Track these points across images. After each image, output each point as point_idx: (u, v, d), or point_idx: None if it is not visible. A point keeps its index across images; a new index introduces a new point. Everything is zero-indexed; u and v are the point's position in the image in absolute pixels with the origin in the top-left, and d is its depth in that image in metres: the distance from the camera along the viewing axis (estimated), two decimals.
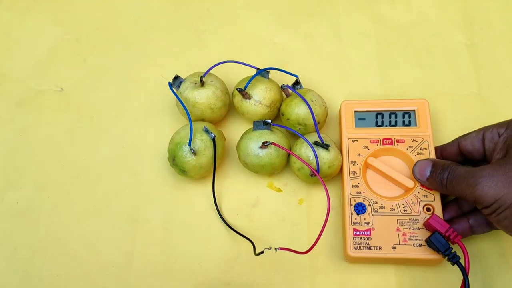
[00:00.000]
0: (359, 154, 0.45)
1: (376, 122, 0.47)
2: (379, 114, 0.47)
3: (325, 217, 0.40)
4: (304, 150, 0.44)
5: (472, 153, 0.41)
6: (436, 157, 0.44)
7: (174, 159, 0.45)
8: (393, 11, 0.59)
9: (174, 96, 0.47)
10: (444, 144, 0.44)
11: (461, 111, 0.52)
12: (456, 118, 0.52)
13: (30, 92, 0.54)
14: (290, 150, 0.46)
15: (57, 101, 0.54)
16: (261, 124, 0.45)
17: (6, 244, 0.46)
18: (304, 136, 0.46)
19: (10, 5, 0.61)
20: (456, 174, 0.37)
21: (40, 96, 0.54)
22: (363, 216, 0.43)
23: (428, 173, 0.41)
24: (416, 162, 0.42)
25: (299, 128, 0.47)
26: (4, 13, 0.60)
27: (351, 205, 0.43)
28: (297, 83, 0.48)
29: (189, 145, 0.44)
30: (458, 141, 0.42)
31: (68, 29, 0.59)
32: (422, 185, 0.44)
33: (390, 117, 0.47)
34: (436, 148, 0.45)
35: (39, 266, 0.46)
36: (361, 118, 0.47)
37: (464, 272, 0.37)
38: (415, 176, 0.42)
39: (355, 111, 0.48)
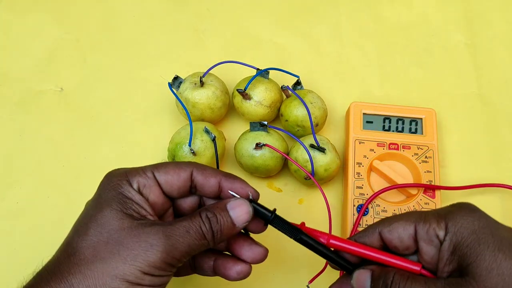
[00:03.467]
0: (365, 156, 0.45)
1: (384, 126, 0.47)
2: (387, 118, 0.48)
3: (327, 219, 0.40)
4: (301, 153, 0.44)
5: (399, 249, 0.31)
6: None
7: (174, 159, 0.45)
8: (393, 11, 0.59)
9: (174, 96, 0.47)
10: (361, 232, 0.33)
11: (461, 111, 0.52)
12: (456, 118, 0.52)
13: (30, 92, 0.54)
14: (287, 152, 0.46)
15: (57, 101, 0.54)
16: (257, 125, 0.45)
17: (6, 244, 0.46)
18: (303, 137, 0.46)
19: (10, 5, 0.61)
20: None
21: (40, 96, 0.54)
22: (365, 218, 0.43)
23: (368, 285, 0.30)
24: (353, 273, 0.32)
25: (298, 130, 0.47)
26: (4, 13, 0.60)
27: (354, 206, 0.43)
28: (298, 83, 0.48)
29: (189, 145, 0.44)
30: (379, 230, 0.31)
31: (68, 29, 0.59)
32: (424, 193, 0.44)
33: (397, 122, 0.48)
34: (351, 240, 0.33)
35: (39, 266, 0.45)
36: (369, 121, 0.48)
37: None
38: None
39: (364, 113, 0.48)
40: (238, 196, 0.33)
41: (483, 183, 0.46)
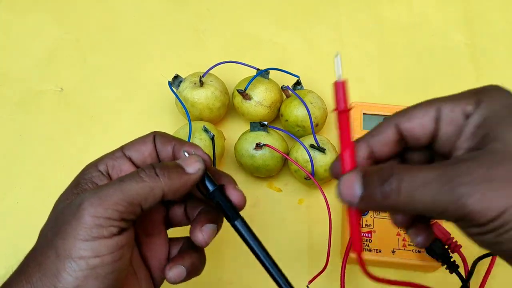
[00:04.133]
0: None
1: None
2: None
3: (327, 219, 0.40)
4: (301, 153, 0.44)
5: (420, 139, 0.27)
6: (360, 157, 0.27)
7: None
8: (394, 11, 0.59)
9: (174, 96, 0.47)
10: (372, 131, 0.28)
11: None
12: None
13: (30, 92, 0.54)
14: (287, 152, 0.46)
15: (57, 101, 0.54)
16: (257, 125, 0.45)
17: (6, 244, 0.46)
18: (303, 137, 0.46)
19: (10, 5, 0.61)
20: (418, 182, 0.23)
21: (40, 96, 0.54)
22: (365, 218, 0.43)
23: (359, 191, 0.25)
24: (339, 179, 0.26)
25: (298, 130, 0.47)
26: (4, 13, 0.60)
27: None
28: (298, 83, 0.48)
29: None
30: (396, 122, 0.27)
31: (68, 29, 0.59)
32: None
33: None
34: (359, 145, 0.28)
35: None
36: (368, 121, 0.48)
37: (464, 282, 0.37)
38: (342, 199, 0.26)
39: (364, 113, 0.48)
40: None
41: None
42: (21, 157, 0.51)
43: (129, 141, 0.51)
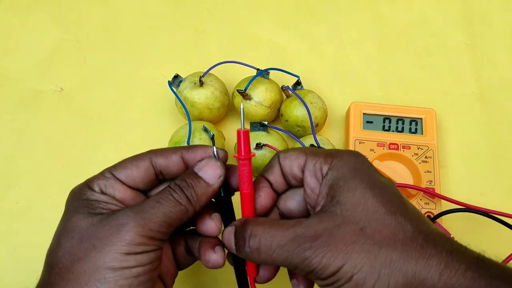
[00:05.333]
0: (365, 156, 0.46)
1: (384, 126, 0.48)
2: (387, 118, 0.48)
3: None
4: None
5: (289, 178, 0.31)
6: (258, 188, 0.32)
7: None
8: (393, 11, 0.59)
9: (174, 96, 0.47)
10: (266, 167, 0.32)
11: (461, 111, 0.52)
12: (456, 118, 0.52)
13: (30, 92, 0.54)
14: None
15: (57, 101, 0.54)
16: (258, 125, 0.45)
17: (6, 244, 0.46)
18: (303, 138, 0.46)
19: (10, 5, 0.61)
20: (274, 246, 0.27)
21: (40, 96, 0.54)
22: None
23: (233, 245, 0.29)
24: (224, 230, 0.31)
25: (298, 130, 0.47)
26: (4, 13, 0.60)
27: None
28: (298, 83, 0.48)
29: (188, 143, 0.44)
30: (277, 156, 0.32)
31: (68, 29, 0.59)
32: (425, 192, 0.43)
33: (397, 122, 0.48)
34: (259, 179, 0.32)
35: (39, 266, 0.45)
36: (369, 121, 0.48)
37: None
38: (228, 250, 0.31)
39: (364, 113, 0.48)
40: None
41: (481, 207, 0.42)
42: (21, 157, 0.51)
43: (130, 142, 0.52)
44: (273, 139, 0.45)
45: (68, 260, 0.27)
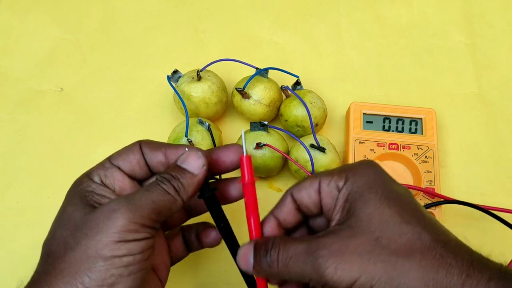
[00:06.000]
0: (365, 156, 0.46)
1: (383, 126, 0.48)
2: (387, 118, 0.48)
3: None
4: (301, 153, 0.44)
5: (310, 208, 0.30)
6: (268, 229, 0.31)
7: None
8: (393, 11, 0.59)
9: (173, 95, 0.47)
10: (277, 205, 0.32)
11: (461, 111, 0.52)
12: (456, 118, 0.52)
13: (30, 92, 0.54)
14: (287, 152, 0.46)
15: (57, 101, 0.54)
16: (258, 125, 0.45)
17: (6, 244, 0.46)
18: (303, 137, 0.46)
19: (10, 5, 0.61)
20: (290, 254, 0.27)
21: (40, 96, 0.54)
22: None
23: (251, 261, 0.29)
24: (238, 250, 0.31)
25: (297, 130, 0.47)
26: (4, 13, 0.60)
27: None
28: (297, 83, 0.48)
29: (186, 135, 0.44)
30: (290, 193, 0.31)
31: (68, 29, 0.59)
32: (425, 192, 0.43)
33: (397, 122, 0.48)
34: (267, 218, 0.32)
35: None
36: (369, 121, 0.48)
37: None
38: (241, 268, 0.31)
39: (364, 113, 0.48)
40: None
41: (483, 205, 0.43)
42: (21, 157, 0.51)
43: (130, 142, 0.52)
44: (273, 139, 0.45)
45: (62, 249, 0.27)
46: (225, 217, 0.33)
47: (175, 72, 0.48)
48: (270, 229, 0.31)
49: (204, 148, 0.45)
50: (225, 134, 0.49)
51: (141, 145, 0.32)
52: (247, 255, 0.29)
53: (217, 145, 0.46)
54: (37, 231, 0.48)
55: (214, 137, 0.45)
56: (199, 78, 0.47)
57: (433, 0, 0.60)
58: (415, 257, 0.24)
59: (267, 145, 0.44)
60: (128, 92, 0.54)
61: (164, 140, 0.47)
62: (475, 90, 0.54)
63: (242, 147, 0.32)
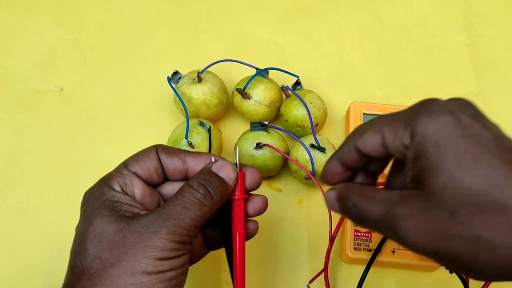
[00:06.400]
0: None
1: None
2: None
3: (327, 219, 0.40)
4: (301, 153, 0.44)
5: (378, 156, 0.28)
6: (332, 166, 0.31)
7: None
8: (393, 11, 0.60)
9: (174, 95, 0.47)
10: (339, 150, 0.30)
11: None
12: None
13: (30, 92, 0.54)
14: (287, 152, 0.46)
15: (57, 101, 0.54)
16: (258, 125, 0.45)
17: (6, 244, 0.46)
18: (303, 137, 0.46)
19: (10, 5, 0.61)
20: (367, 216, 0.27)
21: (40, 96, 0.54)
22: None
23: (337, 204, 0.30)
24: (324, 196, 0.31)
25: (298, 130, 0.47)
26: (4, 13, 0.60)
27: None
28: (297, 83, 0.48)
29: (186, 137, 0.44)
30: (354, 144, 0.29)
31: (68, 29, 0.59)
32: None
33: None
34: (332, 159, 0.31)
35: (39, 266, 0.46)
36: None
37: (464, 282, 0.38)
38: (328, 208, 0.31)
39: (364, 113, 0.48)
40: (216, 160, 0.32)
41: None
42: (21, 157, 0.51)
43: (130, 142, 0.52)
44: (273, 139, 0.45)
45: (100, 266, 0.27)
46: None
47: (175, 73, 0.48)
48: (334, 168, 0.30)
49: (204, 150, 0.45)
50: (225, 135, 0.49)
51: (158, 151, 0.32)
52: (333, 201, 0.29)
53: (217, 146, 0.46)
54: (37, 231, 0.48)
55: (213, 139, 0.45)
56: (199, 79, 0.47)
57: (433, 0, 0.60)
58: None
59: (267, 145, 0.44)
60: (128, 92, 0.54)
61: (164, 141, 0.47)
62: (475, 90, 0.54)
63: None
